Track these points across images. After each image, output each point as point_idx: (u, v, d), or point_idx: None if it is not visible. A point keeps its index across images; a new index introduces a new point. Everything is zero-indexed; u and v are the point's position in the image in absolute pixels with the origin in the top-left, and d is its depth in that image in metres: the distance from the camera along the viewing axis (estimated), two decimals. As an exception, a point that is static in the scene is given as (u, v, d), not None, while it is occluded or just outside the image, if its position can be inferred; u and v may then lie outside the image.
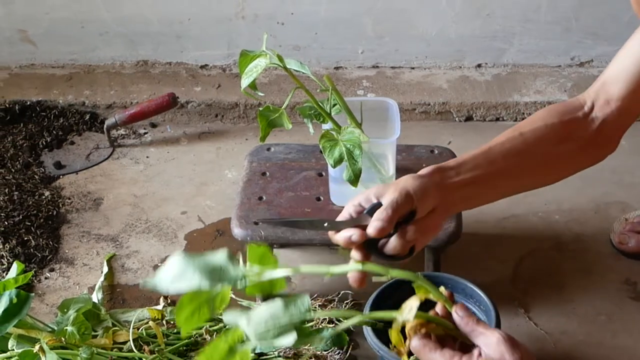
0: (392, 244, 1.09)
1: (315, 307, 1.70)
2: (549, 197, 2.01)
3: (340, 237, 1.09)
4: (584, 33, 2.36)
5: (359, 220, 1.10)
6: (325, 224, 1.10)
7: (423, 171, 1.16)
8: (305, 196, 1.71)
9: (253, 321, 0.91)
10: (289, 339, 0.91)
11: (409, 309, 1.05)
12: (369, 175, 1.54)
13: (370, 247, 1.10)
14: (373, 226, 1.07)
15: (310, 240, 1.62)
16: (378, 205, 1.10)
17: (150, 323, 1.60)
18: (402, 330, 1.08)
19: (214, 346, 0.91)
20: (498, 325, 1.45)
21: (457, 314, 1.03)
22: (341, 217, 1.12)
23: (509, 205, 1.98)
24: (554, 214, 1.97)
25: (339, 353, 1.60)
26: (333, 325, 1.63)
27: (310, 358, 1.57)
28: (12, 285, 1.52)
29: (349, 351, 1.62)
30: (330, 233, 1.11)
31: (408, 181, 1.12)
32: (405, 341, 1.08)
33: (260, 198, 1.70)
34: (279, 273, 0.93)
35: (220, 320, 1.65)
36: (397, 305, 1.14)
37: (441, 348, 1.01)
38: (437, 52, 2.41)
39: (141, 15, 2.38)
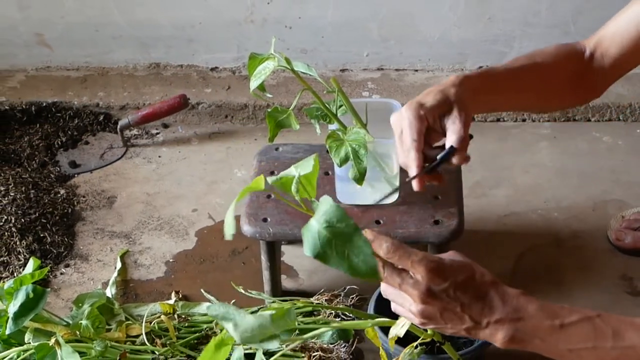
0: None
1: (322, 302, 1.71)
2: (549, 195, 2.02)
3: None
4: (582, 36, 2.29)
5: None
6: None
7: (467, 81, 1.29)
8: (312, 194, 1.73)
9: (240, 327, 0.96)
10: (274, 344, 0.97)
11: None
12: (374, 173, 1.54)
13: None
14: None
15: (317, 237, 1.64)
16: (451, 150, 1.24)
17: (162, 317, 1.63)
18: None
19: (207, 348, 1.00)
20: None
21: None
22: (415, 159, 1.25)
23: (509, 203, 2.00)
24: (553, 212, 1.98)
25: (344, 346, 1.61)
26: (339, 319, 1.65)
27: (317, 351, 1.58)
28: (28, 280, 1.54)
29: (355, 344, 1.63)
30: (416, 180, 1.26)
31: (464, 104, 1.26)
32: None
33: (269, 196, 1.67)
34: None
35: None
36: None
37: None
38: (439, 55, 2.42)
39: (154, 20, 2.39)
